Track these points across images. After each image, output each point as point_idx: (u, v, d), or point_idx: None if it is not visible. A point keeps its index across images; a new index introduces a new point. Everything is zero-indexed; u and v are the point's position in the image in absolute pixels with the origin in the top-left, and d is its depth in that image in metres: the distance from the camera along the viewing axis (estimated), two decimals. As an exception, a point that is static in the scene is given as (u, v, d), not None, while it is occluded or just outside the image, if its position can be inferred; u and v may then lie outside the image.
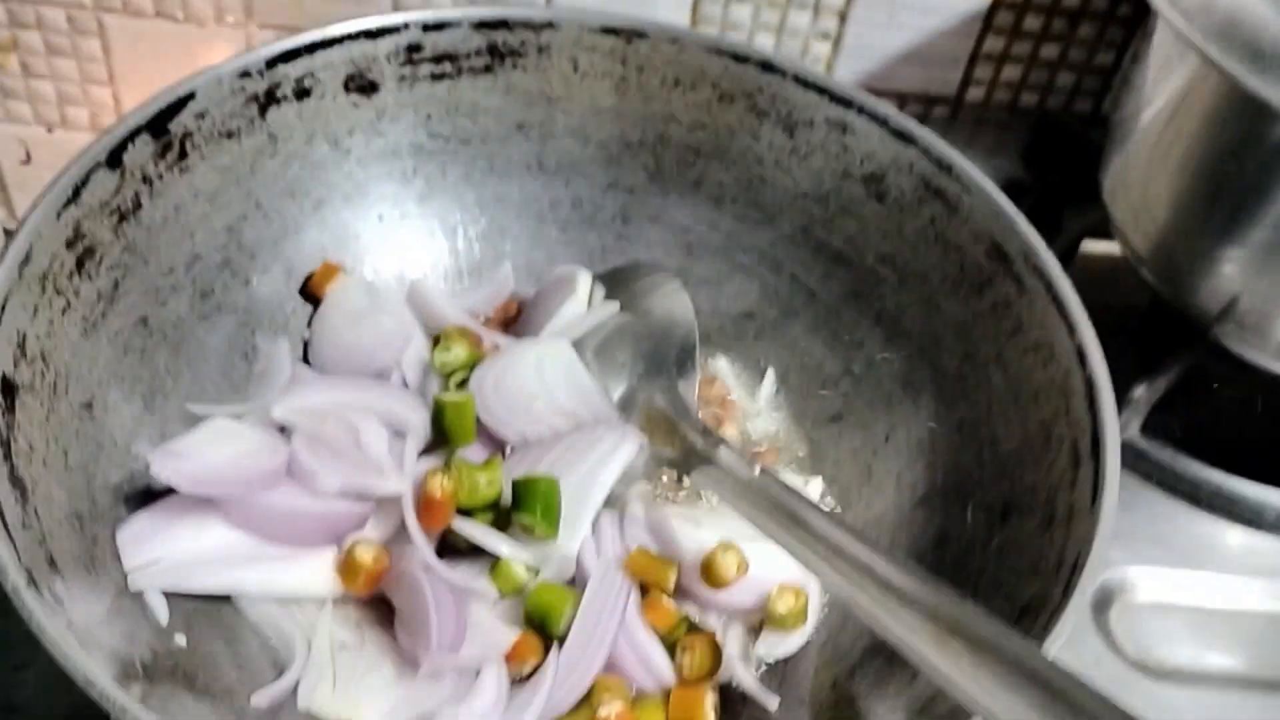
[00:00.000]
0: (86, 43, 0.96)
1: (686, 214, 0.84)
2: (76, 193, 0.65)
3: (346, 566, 0.64)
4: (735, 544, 0.67)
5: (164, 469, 0.60)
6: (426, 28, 0.78)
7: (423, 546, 0.63)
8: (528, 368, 0.71)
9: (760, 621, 0.67)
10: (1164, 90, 0.84)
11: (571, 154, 0.83)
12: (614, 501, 0.71)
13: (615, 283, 0.79)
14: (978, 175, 0.74)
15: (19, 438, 0.58)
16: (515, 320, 0.82)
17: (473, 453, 0.69)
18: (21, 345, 0.60)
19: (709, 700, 0.63)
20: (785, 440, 0.79)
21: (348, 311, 0.76)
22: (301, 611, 0.65)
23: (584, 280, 0.79)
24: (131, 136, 0.69)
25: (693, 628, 0.66)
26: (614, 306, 0.77)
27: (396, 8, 0.93)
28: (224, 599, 0.64)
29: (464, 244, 0.84)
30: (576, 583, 0.66)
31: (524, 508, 0.64)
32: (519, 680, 0.63)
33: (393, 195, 0.82)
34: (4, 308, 0.59)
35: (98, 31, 0.95)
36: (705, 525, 0.69)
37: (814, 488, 0.76)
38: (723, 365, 0.82)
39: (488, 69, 0.80)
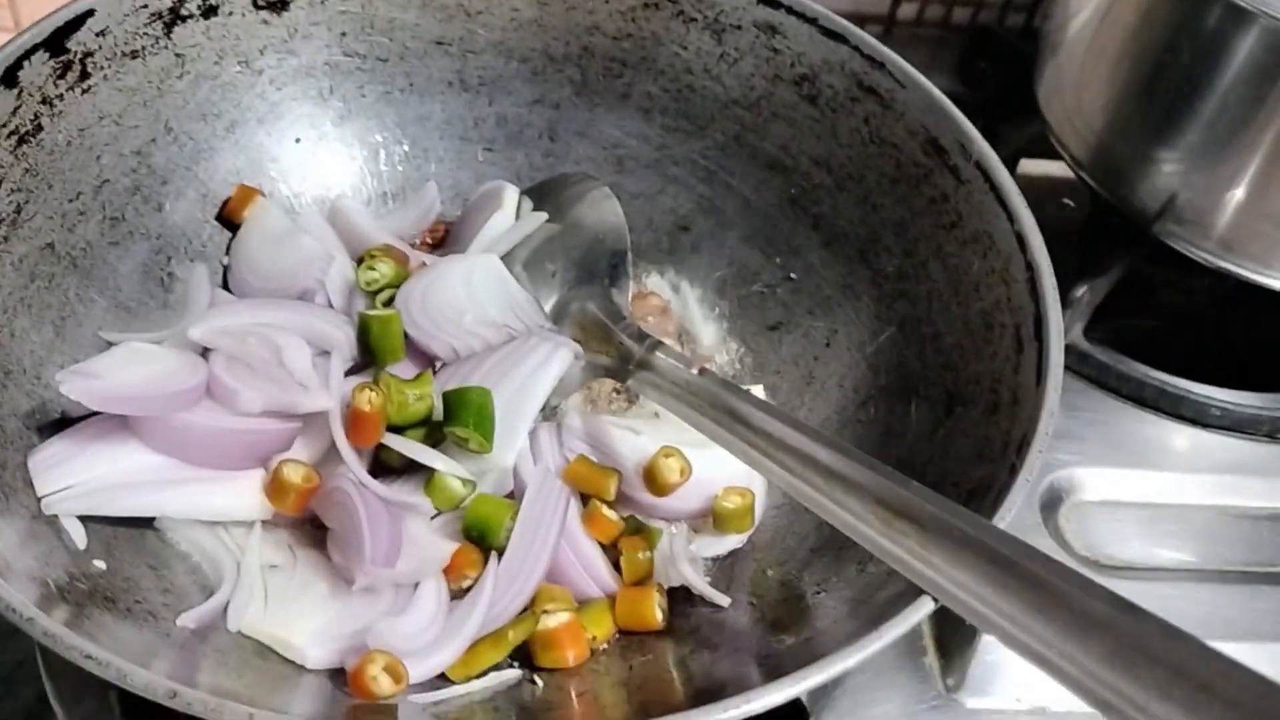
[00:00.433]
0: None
1: (615, 127, 0.81)
2: (-31, 113, 0.62)
3: (275, 487, 0.62)
4: (677, 449, 0.65)
5: (73, 388, 0.57)
6: (337, -62, 0.75)
7: (353, 463, 0.61)
8: (456, 281, 0.69)
9: (710, 526, 0.66)
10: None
11: (494, 70, 0.81)
12: (552, 414, 0.69)
13: (543, 195, 0.77)
14: (910, 70, 0.72)
15: (-84, 360, 0.55)
16: (443, 243, 0.79)
17: (402, 370, 0.67)
18: (-83, 267, 0.57)
19: (656, 601, 0.62)
20: (725, 351, 0.78)
21: (267, 234, 0.74)
22: (230, 534, 0.62)
23: (510, 194, 0.77)
24: (27, 54, 0.65)
25: (637, 529, 0.64)
26: (541, 217, 0.75)
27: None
28: (148, 524, 0.61)
29: (386, 166, 0.81)
30: (516, 496, 0.64)
31: (456, 420, 0.62)
32: (459, 593, 0.61)
33: (309, 116, 0.79)
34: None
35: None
36: (645, 432, 0.67)
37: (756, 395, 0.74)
38: (658, 280, 0.80)
39: (402, -18, 0.77)
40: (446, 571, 0.61)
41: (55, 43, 0.67)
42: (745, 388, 0.73)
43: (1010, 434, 0.59)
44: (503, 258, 0.72)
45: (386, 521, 0.59)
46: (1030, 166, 1.03)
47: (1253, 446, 0.85)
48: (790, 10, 0.75)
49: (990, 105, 1.03)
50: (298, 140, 0.78)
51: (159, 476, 0.61)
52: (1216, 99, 0.79)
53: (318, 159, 0.79)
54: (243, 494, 0.62)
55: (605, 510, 0.64)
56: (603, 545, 0.64)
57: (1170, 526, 0.81)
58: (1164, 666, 0.42)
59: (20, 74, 0.65)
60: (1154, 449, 0.85)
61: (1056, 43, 0.92)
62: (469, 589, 0.61)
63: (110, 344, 0.67)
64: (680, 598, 0.64)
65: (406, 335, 0.67)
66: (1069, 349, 0.87)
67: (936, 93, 0.71)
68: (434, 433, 0.64)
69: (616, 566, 0.64)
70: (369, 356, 0.67)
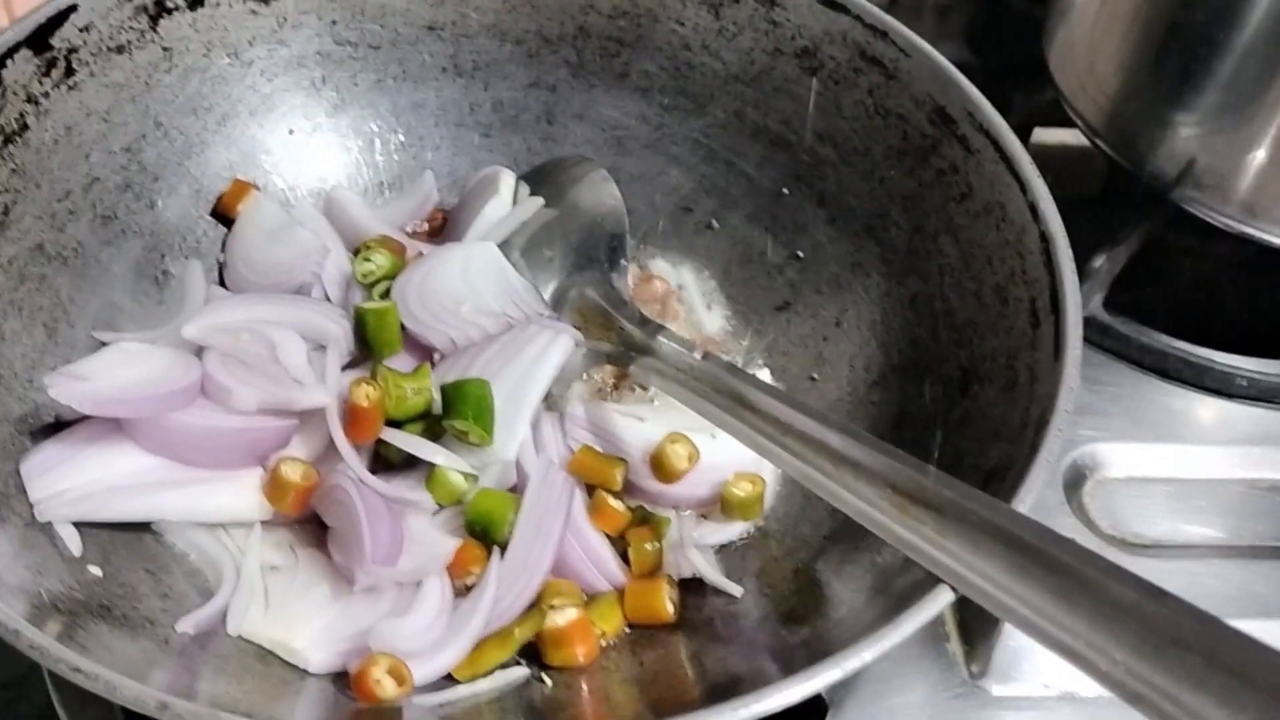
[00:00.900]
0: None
1: (614, 108, 0.79)
2: (-47, 112, 0.60)
3: (273, 486, 0.60)
4: (684, 434, 0.63)
5: (62, 391, 0.56)
6: (323, -76, 0.73)
7: (351, 459, 0.60)
8: (452, 271, 0.67)
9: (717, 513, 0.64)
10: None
11: (488, 53, 0.79)
12: (554, 404, 0.67)
13: (540, 179, 0.75)
14: (914, 38, 0.70)
15: (-99, 366, 0.54)
16: (441, 231, 0.77)
17: (400, 363, 0.65)
18: (-99, 271, 0.56)
19: (666, 593, 0.60)
20: (732, 333, 0.76)
21: (262, 229, 0.72)
22: (230, 536, 0.61)
23: (507, 180, 0.75)
24: (10, 53, 0.64)
25: (645, 519, 0.63)
26: (538, 202, 0.73)
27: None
28: (145, 528, 0.60)
29: (382, 155, 0.79)
30: (519, 489, 0.63)
31: (455, 413, 0.61)
32: (463, 590, 0.59)
33: (302, 107, 0.77)
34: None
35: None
36: (650, 419, 0.65)
37: (763, 379, 0.72)
38: (661, 264, 0.79)
39: (391, -34, 0.76)
40: (450, 569, 0.59)
41: (38, 40, 0.65)
42: (753, 371, 0.72)
43: (1029, 412, 0.57)
44: (500, 245, 0.70)
45: (387, 519, 0.58)
46: (1044, 136, 1.00)
47: (1281, 416, 0.83)
48: (788, -20, 0.73)
49: (1000, 74, 1.00)
50: (291, 132, 0.77)
51: (155, 479, 0.59)
52: (1235, 58, 0.76)
53: (312, 150, 0.78)
54: (241, 494, 0.61)
55: (612, 501, 0.63)
56: (610, 537, 0.63)
57: (1198, 502, 0.78)
58: (1197, 654, 0.40)
59: (3, 73, 0.64)
60: (1179, 422, 0.82)
61: (1067, 6, 0.89)
62: (473, 586, 0.59)
63: (105, 345, 0.65)
64: (692, 590, 0.62)
65: (404, 327, 0.65)
66: (1088, 321, 0.84)
67: (942, 60, 0.69)
68: (433, 426, 0.63)
69: (624, 558, 0.62)
70: (366, 350, 0.65)
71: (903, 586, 0.52)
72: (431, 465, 0.61)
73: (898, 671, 0.68)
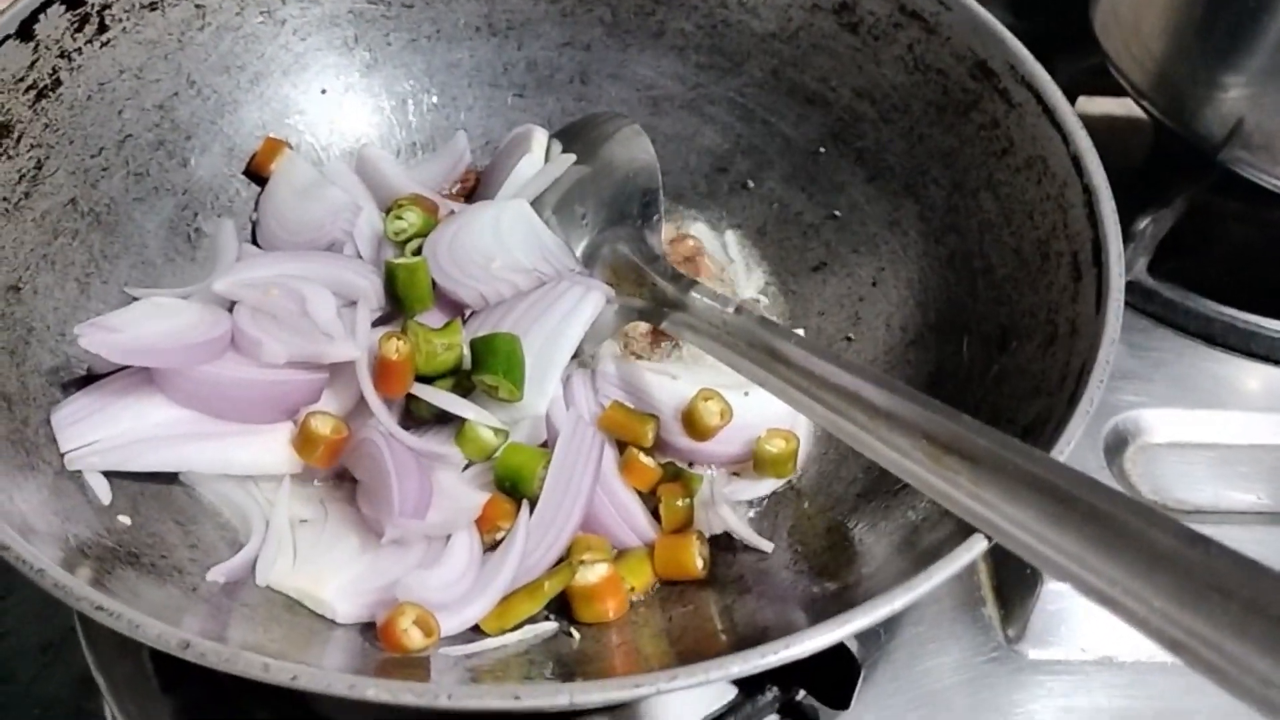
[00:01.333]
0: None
1: (649, 68, 0.78)
2: (-14, 66, 0.61)
3: (304, 439, 0.60)
4: (716, 391, 0.62)
5: (92, 341, 0.56)
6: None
7: (381, 412, 0.59)
8: (484, 228, 0.67)
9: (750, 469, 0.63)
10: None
11: (523, 12, 0.78)
12: (586, 361, 0.67)
13: (572, 136, 0.75)
14: (955, -12, 0.69)
15: (-67, 316, 0.54)
16: (474, 192, 0.77)
17: (432, 319, 0.65)
18: (-68, 222, 0.56)
19: (696, 549, 0.59)
20: (767, 294, 0.75)
21: (295, 187, 0.72)
22: (260, 489, 0.61)
23: (539, 138, 0.74)
24: (43, 7, 0.64)
25: (676, 475, 0.62)
26: (570, 159, 0.72)
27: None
28: (175, 479, 0.60)
29: (415, 116, 0.79)
30: (550, 445, 0.62)
31: (485, 368, 0.60)
32: (492, 545, 0.59)
33: (335, 66, 0.77)
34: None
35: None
36: (682, 377, 0.64)
37: (800, 337, 0.71)
38: (696, 223, 0.78)
39: (426, -76, 0.75)
40: (479, 523, 0.59)
41: (71, -5, 0.65)
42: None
43: (1069, 365, 0.56)
44: (533, 203, 0.69)
45: (416, 472, 0.57)
46: (1089, 105, 0.98)
47: (1328, 383, 0.80)
48: (826, -66, 0.72)
49: (1044, 39, 0.98)
50: (323, 91, 0.77)
51: (185, 431, 0.59)
52: (1286, 13, 0.74)
53: (345, 110, 0.77)
54: (271, 448, 0.61)
55: (642, 457, 0.62)
56: (640, 493, 0.62)
57: (1242, 468, 0.76)
58: (1238, 601, 0.39)
59: (36, 27, 0.64)
60: (1224, 388, 0.80)
61: (1112, -35, 0.87)
62: (502, 541, 0.58)
63: (136, 299, 0.65)
64: (722, 546, 0.61)
65: (435, 284, 0.65)
66: (1132, 285, 0.83)
67: (983, 13, 0.68)
68: (463, 382, 0.62)
69: (655, 515, 0.62)
70: (397, 306, 0.65)
71: (934, 540, 0.51)
72: (462, 420, 0.60)
73: (932, 635, 0.68)
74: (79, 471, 0.57)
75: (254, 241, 0.73)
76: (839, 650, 0.56)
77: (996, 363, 0.62)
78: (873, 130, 0.73)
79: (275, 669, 0.41)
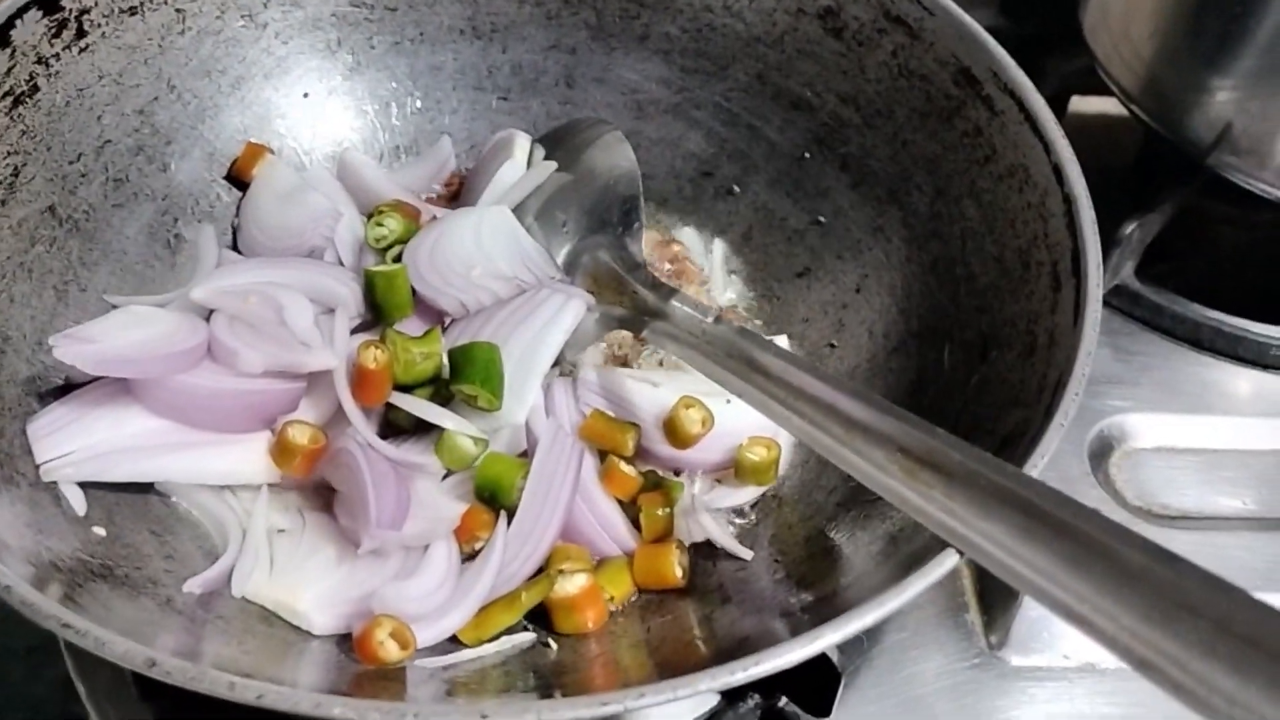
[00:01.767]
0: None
1: (634, 72, 0.78)
2: (-39, 73, 0.60)
3: (280, 449, 0.60)
4: (698, 399, 0.62)
5: (67, 352, 0.56)
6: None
7: (358, 421, 0.59)
8: (464, 235, 0.66)
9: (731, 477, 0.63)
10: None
11: (507, 15, 0.78)
12: (567, 369, 0.66)
13: (555, 141, 0.74)
14: (939, -4, 0.68)
15: (-93, 325, 0.54)
16: (458, 196, 0.77)
17: (411, 327, 0.64)
18: (-93, 231, 0.56)
19: (676, 558, 0.59)
20: (751, 299, 0.75)
21: (276, 192, 0.72)
22: (237, 499, 0.61)
23: (522, 143, 0.74)
24: (19, 13, 0.64)
25: (657, 484, 0.62)
26: (551, 167, 0.72)
27: None
28: (151, 490, 0.60)
29: (399, 119, 0.78)
30: (530, 454, 0.62)
31: (463, 377, 0.60)
32: (471, 555, 0.59)
33: (318, 70, 0.76)
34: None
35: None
36: (664, 384, 0.64)
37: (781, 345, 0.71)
38: (681, 228, 0.77)
39: (408, -75, 0.75)
40: (457, 533, 0.59)
41: (49, 0, 0.65)
42: (772, 338, 0.70)
43: (1046, 377, 0.56)
44: (514, 210, 0.69)
45: (393, 483, 0.57)
46: (1082, 105, 0.98)
47: (1317, 388, 0.80)
48: (811, -61, 0.72)
49: (1034, 40, 0.98)
50: (306, 95, 0.76)
51: (162, 441, 0.59)
52: (1273, 20, 0.74)
53: (328, 114, 0.77)
54: (248, 457, 0.60)
55: (623, 466, 0.62)
56: (621, 502, 0.62)
57: (1229, 473, 0.76)
58: (1206, 620, 0.38)
59: (12, 34, 0.64)
60: (1211, 392, 0.80)
61: (1102, -33, 0.87)
62: (481, 551, 0.58)
63: (116, 308, 0.65)
64: (702, 555, 0.61)
65: (415, 291, 0.65)
66: (1119, 289, 0.83)
67: (968, 20, 0.67)
68: (442, 391, 0.62)
69: (635, 523, 0.61)
70: (376, 313, 0.65)
71: (911, 551, 0.51)
72: (440, 429, 0.60)
73: (915, 641, 0.67)
74: (54, 483, 0.56)
75: (235, 247, 0.72)
76: (820, 658, 0.56)
77: (977, 372, 0.62)
78: (857, 136, 0.72)
79: (241, 687, 0.41)
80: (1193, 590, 0.39)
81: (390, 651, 0.53)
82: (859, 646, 0.66)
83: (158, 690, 0.59)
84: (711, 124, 0.78)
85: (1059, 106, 0.97)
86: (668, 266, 0.73)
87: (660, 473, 0.63)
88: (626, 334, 0.69)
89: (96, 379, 0.60)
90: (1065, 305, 0.57)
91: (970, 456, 0.48)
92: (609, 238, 0.69)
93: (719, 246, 0.76)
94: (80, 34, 0.67)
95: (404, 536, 0.57)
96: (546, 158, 0.73)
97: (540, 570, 0.58)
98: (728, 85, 0.77)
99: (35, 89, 0.65)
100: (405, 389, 0.61)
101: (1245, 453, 0.77)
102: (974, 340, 0.63)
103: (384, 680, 0.53)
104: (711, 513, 0.62)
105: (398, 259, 0.67)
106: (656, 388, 0.64)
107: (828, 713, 0.59)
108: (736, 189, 0.77)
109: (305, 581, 0.56)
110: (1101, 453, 0.76)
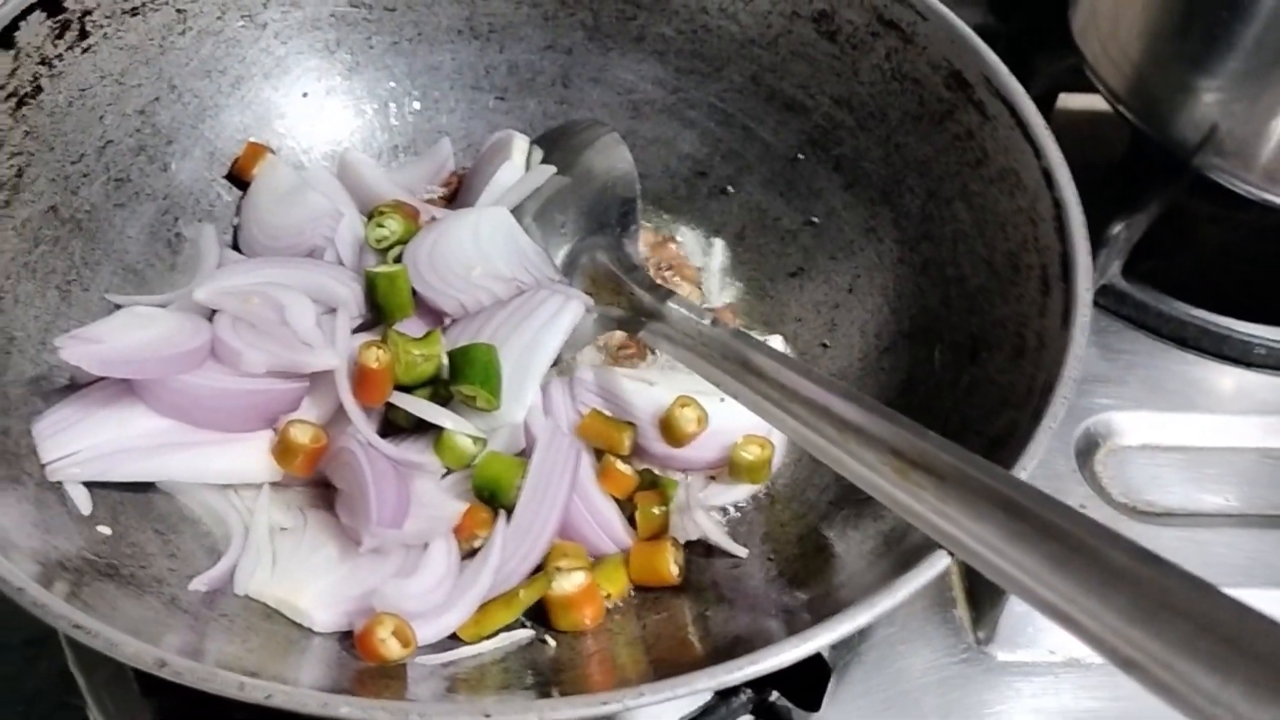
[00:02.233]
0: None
1: (630, 72, 0.79)
2: (-35, 75, 0.61)
3: (283, 448, 0.61)
4: (693, 398, 0.63)
5: (72, 353, 0.57)
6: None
7: (359, 421, 0.60)
8: (464, 236, 0.67)
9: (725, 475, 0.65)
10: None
11: (504, 15, 0.79)
12: (564, 369, 0.67)
13: (552, 143, 0.75)
14: (932, 1, 0.69)
15: (-87, 326, 0.55)
16: (456, 194, 0.77)
17: (412, 327, 0.65)
18: (-86, 232, 0.57)
19: (671, 556, 0.60)
20: (745, 298, 0.76)
21: (277, 192, 0.72)
22: (239, 497, 0.62)
23: (520, 144, 0.75)
24: (24, 14, 0.65)
25: (653, 483, 0.63)
26: (549, 170, 0.73)
27: None
28: (154, 488, 0.61)
29: (397, 119, 0.79)
30: (528, 453, 0.63)
31: (462, 378, 0.61)
32: (470, 553, 0.60)
33: (316, 70, 0.77)
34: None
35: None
36: (659, 383, 0.65)
37: (775, 346, 0.72)
38: (676, 227, 0.78)
39: (405, -73, 0.75)
40: (457, 531, 0.60)
41: (52, 2, 0.66)
42: (765, 337, 0.72)
43: (1035, 379, 0.57)
44: (513, 210, 0.70)
45: (394, 481, 0.58)
46: (1070, 101, 0.99)
47: (1299, 386, 0.82)
48: (806, -58, 0.73)
49: (1024, 39, 0.99)
50: (305, 95, 0.77)
51: (165, 440, 0.60)
52: (1259, 24, 0.75)
53: (327, 113, 0.78)
54: (251, 456, 0.61)
55: (620, 465, 0.63)
56: (618, 500, 0.63)
57: (1212, 470, 0.78)
58: (1188, 620, 0.39)
59: (17, 35, 0.64)
60: (1196, 390, 0.82)
61: (1092, -32, 0.88)
62: (480, 549, 0.59)
63: (118, 308, 0.66)
64: (697, 553, 0.62)
65: (415, 292, 0.66)
66: (1106, 289, 0.84)
67: (960, 24, 0.68)
68: (441, 391, 0.63)
69: (632, 522, 0.63)
70: (377, 314, 0.66)
71: (904, 551, 0.52)
72: (440, 429, 0.61)
73: (904, 636, 0.69)
74: (59, 482, 0.57)
75: (235, 246, 0.73)
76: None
77: (967, 373, 0.63)
78: (850, 137, 0.74)
79: (250, 688, 0.42)
80: (1175, 591, 0.40)
81: (392, 649, 0.54)
82: (849, 642, 0.68)
83: (159, 686, 0.60)
84: (706, 124, 0.79)
85: (1046, 104, 0.98)
86: (664, 265, 0.74)
87: (656, 471, 0.64)
88: (619, 338, 0.70)
89: (100, 379, 0.60)
90: (1054, 309, 0.58)
91: (960, 459, 0.49)
92: (607, 239, 0.70)
93: (719, 246, 0.77)
94: (83, 35, 0.67)
95: (404, 535, 0.58)
96: (544, 159, 0.74)
97: (538, 568, 0.59)
98: (722, 86, 0.78)
99: (39, 90, 0.65)
100: (405, 389, 0.62)
101: (1228, 450, 0.79)
102: (964, 341, 0.64)
103: (385, 677, 0.54)
104: (706, 510, 0.63)
105: (398, 259, 0.68)
106: (652, 386, 0.65)
107: (817, 707, 0.60)
108: (730, 189, 0.78)
109: (307, 579, 0.57)
110: (1088, 449, 0.78)
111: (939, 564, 0.49)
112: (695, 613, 0.59)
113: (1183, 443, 0.79)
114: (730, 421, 0.64)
